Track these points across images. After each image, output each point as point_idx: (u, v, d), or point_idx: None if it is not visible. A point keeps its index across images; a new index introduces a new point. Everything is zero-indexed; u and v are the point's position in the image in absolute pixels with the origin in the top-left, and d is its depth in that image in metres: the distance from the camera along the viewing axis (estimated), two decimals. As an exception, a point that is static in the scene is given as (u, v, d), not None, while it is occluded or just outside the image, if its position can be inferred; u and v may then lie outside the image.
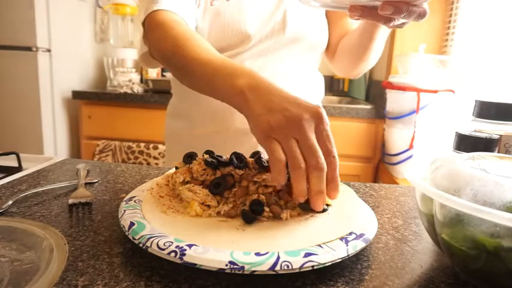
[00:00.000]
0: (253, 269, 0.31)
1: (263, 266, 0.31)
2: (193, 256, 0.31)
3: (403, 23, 0.43)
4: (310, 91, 0.80)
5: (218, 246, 0.33)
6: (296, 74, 0.76)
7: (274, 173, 0.38)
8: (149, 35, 0.61)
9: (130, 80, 1.95)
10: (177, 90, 0.82)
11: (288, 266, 0.31)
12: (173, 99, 0.84)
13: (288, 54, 0.74)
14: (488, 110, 0.52)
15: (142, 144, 1.81)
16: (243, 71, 0.45)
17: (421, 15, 0.39)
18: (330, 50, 0.81)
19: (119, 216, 0.39)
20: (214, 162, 0.45)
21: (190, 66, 0.51)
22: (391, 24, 0.42)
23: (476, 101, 0.55)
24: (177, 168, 0.47)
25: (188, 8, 0.66)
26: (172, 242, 0.33)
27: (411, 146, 1.47)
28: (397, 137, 1.54)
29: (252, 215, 0.40)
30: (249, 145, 0.73)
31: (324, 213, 0.42)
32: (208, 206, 0.42)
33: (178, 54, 0.53)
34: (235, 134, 0.74)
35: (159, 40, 0.58)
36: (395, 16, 0.38)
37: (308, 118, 0.38)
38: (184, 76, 0.54)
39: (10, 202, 0.46)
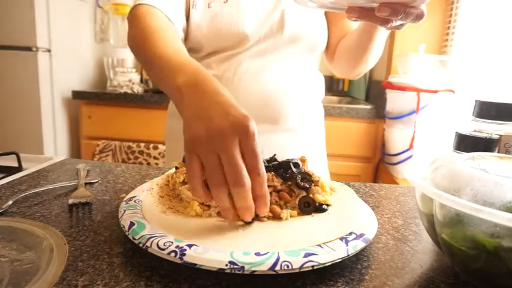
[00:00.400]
0: (253, 269, 0.31)
1: (263, 266, 0.31)
2: (193, 256, 0.31)
3: (401, 25, 0.43)
4: (311, 91, 0.80)
5: (218, 246, 0.33)
6: (296, 74, 0.76)
7: (191, 189, 0.37)
8: (128, 28, 0.62)
9: (130, 80, 1.95)
10: None
11: (288, 266, 0.31)
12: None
13: (287, 54, 0.74)
14: (488, 110, 0.52)
15: (142, 144, 1.81)
16: (188, 67, 0.43)
17: (419, 16, 0.39)
18: (330, 50, 0.81)
19: (119, 216, 0.39)
20: (214, 162, 0.45)
21: (150, 60, 0.50)
22: (389, 25, 0.42)
23: (476, 101, 0.55)
24: (177, 168, 0.47)
25: (174, 6, 0.65)
26: (172, 242, 0.33)
27: (411, 146, 1.47)
28: (397, 137, 1.54)
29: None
30: None
31: (323, 213, 0.42)
32: (208, 206, 0.42)
33: (144, 47, 0.53)
34: None
35: (131, 33, 0.59)
36: (393, 18, 0.38)
37: (231, 132, 0.34)
38: (147, 70, 0.53)
39: (10, 202, 0.46)
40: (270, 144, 0.74)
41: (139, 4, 0.62)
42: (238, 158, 0.34)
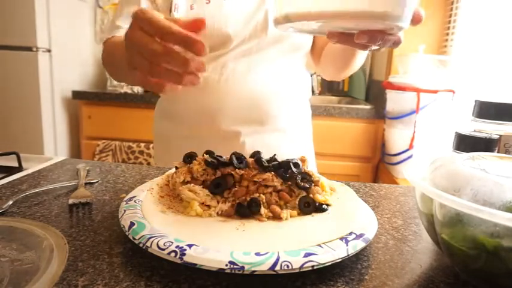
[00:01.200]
0: (253, 269, 0.31)
1: (263, 266, 0.31)
2: (193, 256, 0.31)
3: (379, 48, 0.44)
4: (298, 91, 0.81)
5: (218, 246, 0.33)
6: (282, 74, 0.76)
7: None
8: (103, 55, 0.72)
9: (130, 80, 1.95)
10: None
11: (288, 266, 0.31)
12: (161, 100, 0.85)
13: (273, 54, 0.74)
14: (488, 110, 0.52)
15: (142, 144, 1.81)
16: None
17: (396, 43, 0.41)
18: (315, 53, 0.82)
19: (119, 216, 0.39)
20: (214, 162, 0.45)
21: (112, 58, 0.63)
22: (368, 50, 0.44)
23: (476, 101, 0.55)
24: (177, 168, 0.47)
25: None
26: (172, 242, 0.33)
27: (411, 146, 1.47)
28: (397, 137, 1.54)
29: (247, 209, 0.40)
30: (237, 146, 0.74)
31: (323, 213, 0.42)
32: (208, 206, 0.42)
33: (110, 57, 0.65)
34: (223, 136, 0.74)
35: (103, 56, 0.71)
36: (371, 44, 0.38)
37: (135, 25, 0.39)
38: (114, 72, 0.65)
39: (10, 202, 0.46)
40: (260, 145, 0.74)
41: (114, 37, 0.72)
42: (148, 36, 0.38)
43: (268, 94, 0.73)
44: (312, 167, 0.86)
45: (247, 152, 0.49)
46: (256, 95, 0.73)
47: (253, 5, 0.72)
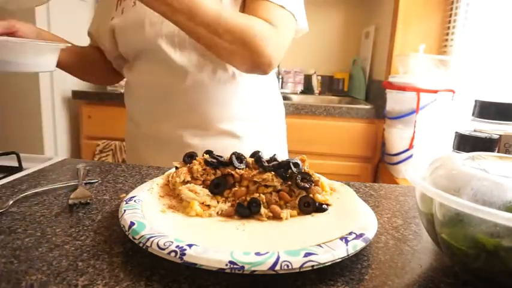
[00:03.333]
0: (253, 268, 0.31)
1: (263, 265, 0.31)
2: (193, 256, 0.31)
3: None
4: (244, 92, 0.77)
5: (218, 246, 0.33)
6: (218, 76, 0.73)
7: None
8: None
9: (130, 80, 1.95)
10: (125, 96, 0.86)
11: (288, 266, 0.31)
12: (126, 101, 0.86)
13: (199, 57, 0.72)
14: (488, 110, 0.52)
15: (142, 144, 1.81)
16: None
17: None
18: None
19: (119, 216, 0.39)
20: (214, 162, 0.45)
21: None
22: None
23: (476, 101, 0.55)
24: (177, 168, 0.47)
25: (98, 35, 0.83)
26: (172, 242, 0.33)
27: (411, 146, 1.47)
28: (397, 137, 1.54)
29: (247, 209, 0.40)
30: (183, 146, 0.74)
31: (323, 213, 0.42)
32: (208, 206, 0.42)
33: None
34: (168, 139, 0.76)
35: None
36: None
37: None
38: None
39: (10, 202, 0.46)
40: (207, 148, 0.72)
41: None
42: None
43: (205, 98, 0.72)
44: None
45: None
46: (192, 98, 0.73)
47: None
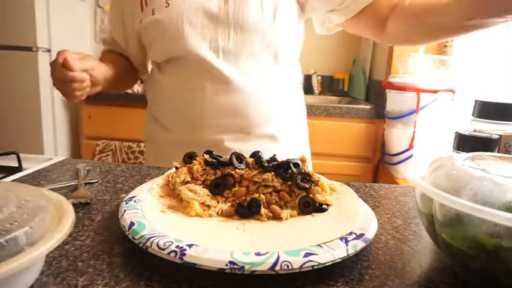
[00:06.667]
0: (253, 269, 0.31)
1: (263, 266, 0.31)
2: (193, 256, 0.31)
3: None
4: (284, 95, 0.77)
5: (218, 246, 0.33)
6: (263, 79, 0.73)
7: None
8: None
9: (130, 80, 1.95)
10: (151, 98, 0.84)
11: (288, 266, 0.31)
12: (149, 107, 0.85)
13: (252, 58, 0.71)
14: (488, 110, 0.52)
15: (142, 144, 1.81)
16: None
17: None
18: (379, 20, 0.71)
19: (119, 216, 0.39)
20: (214, 162, 0.45)
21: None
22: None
23: (476, 101, 0.55)
24: (177, 168, 0.47)
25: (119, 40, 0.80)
26: (172, 242, 0.33)
27: (411, 146, 1.47)
28: (397, 137, 1.54)
29: (247, 210, 0.40)
30: (222, 151, 0.73)
31: (324, 213, 0.42)
32: (208, 206, 0.42)
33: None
34: (206, 144, 0.74)
35: None
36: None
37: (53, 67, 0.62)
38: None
39: (10, 202, 0.46)
40: (245, 152, 0.73)
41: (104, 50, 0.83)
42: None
43: (246, 101, 0.71)
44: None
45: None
46: (234, 102, 0.71)
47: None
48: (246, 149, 0.72)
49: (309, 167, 0.85)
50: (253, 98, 0.72)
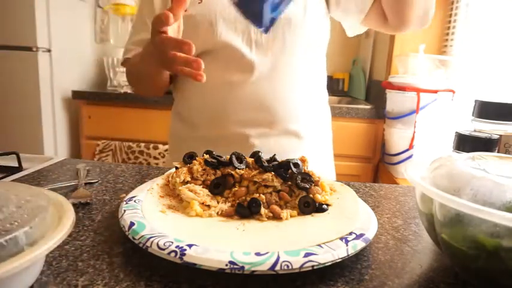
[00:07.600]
0: (253, 269, 0.31)
1: (263, 266, 0.31)
2: (193, 256, 0.31)
3: None
4: (310, 91, 0.78)
5: (218, 246, 0.33)
6: (290, 73, 0.74)
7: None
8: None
9: (130, 80, 1.95)
10: (178, 95, 0.83)
11: (288, 266, 0.31)
12: (175, 104, 0.84)
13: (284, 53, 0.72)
14: (488, 110, 0.52)
15: (142, 144, 1.81)
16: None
17: None
18: (380, 12, 0.75)
19: (119, 216, 0.39)
20: (214, 162, 0.45)
21: (139, 69, 0.73)
22: None
23: (476, 101, 0.55)
24: (177, 168, 0.47)
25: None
26: (172, 242, 0.33)
27: (411, 146, 1.46)
28: (397, 137, 1.54)
29: (247, 210, 0.40)
30: (247, 148, 0.73)
31: (323, 213, 0.42)
32: (208, 206, 0.42)
33: (137, 69, 0.75)
34: (232, 138, 0.74)
35: (128, 78, 0.83)
36: None
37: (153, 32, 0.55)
38: (140, 85, 0.81)
39: (10, 202, 0.46)
40: (270, 147, 0.73)
41: (127, 58, 0.80)
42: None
43: (274, 95, 0.72)
44: (330, 174, 0.84)
45: None
46: (261, 96, 0.71)
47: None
48: (270, 145, 0.73)
49: (331, 171, 0.85)
50: (281, 92, 0.73)
